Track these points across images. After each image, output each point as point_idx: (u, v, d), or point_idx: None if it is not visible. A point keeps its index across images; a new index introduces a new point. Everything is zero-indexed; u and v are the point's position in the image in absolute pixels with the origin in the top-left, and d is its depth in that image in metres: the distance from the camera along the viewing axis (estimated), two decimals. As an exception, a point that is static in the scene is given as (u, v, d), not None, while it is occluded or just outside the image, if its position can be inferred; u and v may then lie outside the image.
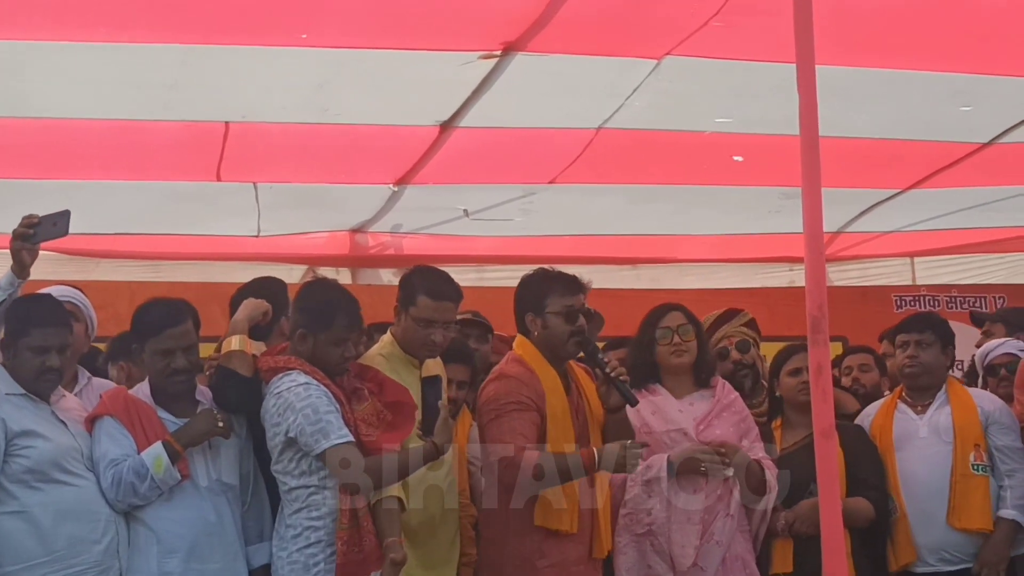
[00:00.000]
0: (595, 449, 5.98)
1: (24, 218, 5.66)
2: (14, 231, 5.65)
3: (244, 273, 8.62)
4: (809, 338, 5.37)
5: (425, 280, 6.11)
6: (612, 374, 6.08)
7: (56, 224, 5.68)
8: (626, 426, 6.24)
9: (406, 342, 6.09)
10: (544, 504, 6.02)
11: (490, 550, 6.20)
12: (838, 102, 6.65)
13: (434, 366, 6.15)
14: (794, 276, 9.63)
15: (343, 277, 8.99)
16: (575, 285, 6.27)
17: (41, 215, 5.67)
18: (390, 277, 9.04)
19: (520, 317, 6.27)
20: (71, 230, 5.69)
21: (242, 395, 5.83)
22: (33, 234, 5.63)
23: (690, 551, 6.33)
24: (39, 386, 5.68)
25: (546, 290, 6.21)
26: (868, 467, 6.77)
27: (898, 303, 10.13)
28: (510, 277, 9.01)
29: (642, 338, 6.63)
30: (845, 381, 7.88)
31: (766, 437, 6.73)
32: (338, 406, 5.71)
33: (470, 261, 9.16)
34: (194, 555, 5.68)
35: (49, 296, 6.03)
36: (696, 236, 9.10)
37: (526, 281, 6.32)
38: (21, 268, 5.67)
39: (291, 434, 5.67)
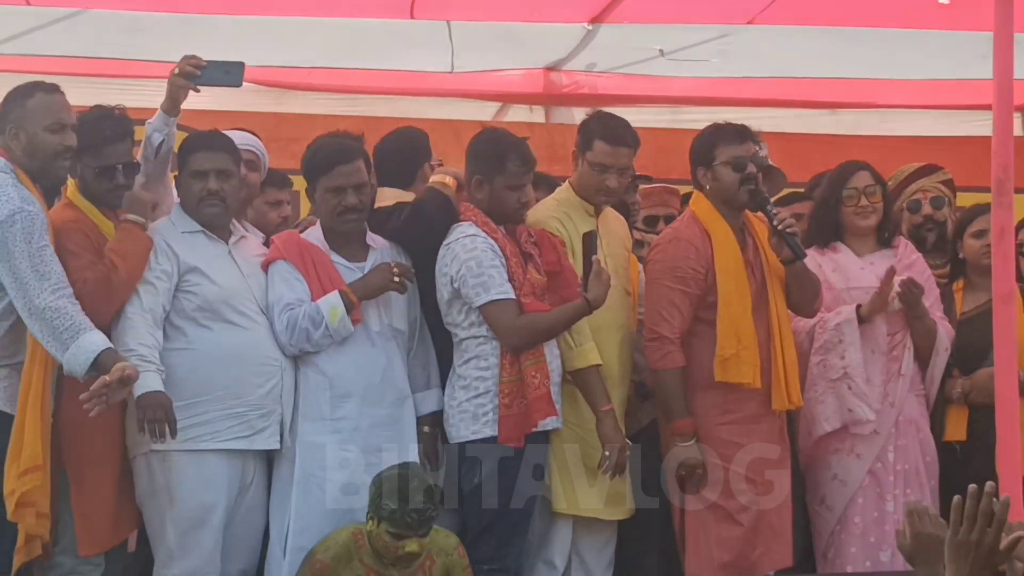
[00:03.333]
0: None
1: (189, 58, 5.65)
2: (179, 69, 5.63)
3: (439, 109, 8.69)
4: (993, 200, 5.24)
5: (602, 125, 6.14)
6: (779, 226, 6.04)
7: (228, 72, 5.69)
8: (808, 277, 6.21)
9: (582, 187, 6.12)
10: (723, 359, 6.01)
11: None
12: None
13: (608, 220, 6.14)
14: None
15: (536, 115, 8.93)
16: (744, 134, 6.24)
17: (213, 60, 5.66)
18: (584, 116, 8.97)
19: (693, 173, 6.25)
20: (250, 73, 5.70)
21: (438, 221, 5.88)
22: (199, 76, 5.63)
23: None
24: (202, 213, 5.70)
25: (715, 141, 6.20)
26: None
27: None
28: (705, 119, 8.79)
29: (827, 197, 6.55)
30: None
31: (946, 300, 6.61)
32: (504, 260, 5.73)
33: (665, 102, 9.00)
34: (367, 399, 5.76)
35: (216, 130, 6.04)
36: (898, 80, 8.81)
37: (697, 136, 6.31)
38: (173, 104, 5.66)
39: (455, 284, 5.72)
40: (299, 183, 6.28)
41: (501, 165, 5.82)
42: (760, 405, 6.12)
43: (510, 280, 5.77)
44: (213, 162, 5.73)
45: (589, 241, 5.79)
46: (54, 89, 5.57)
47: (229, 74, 5.71)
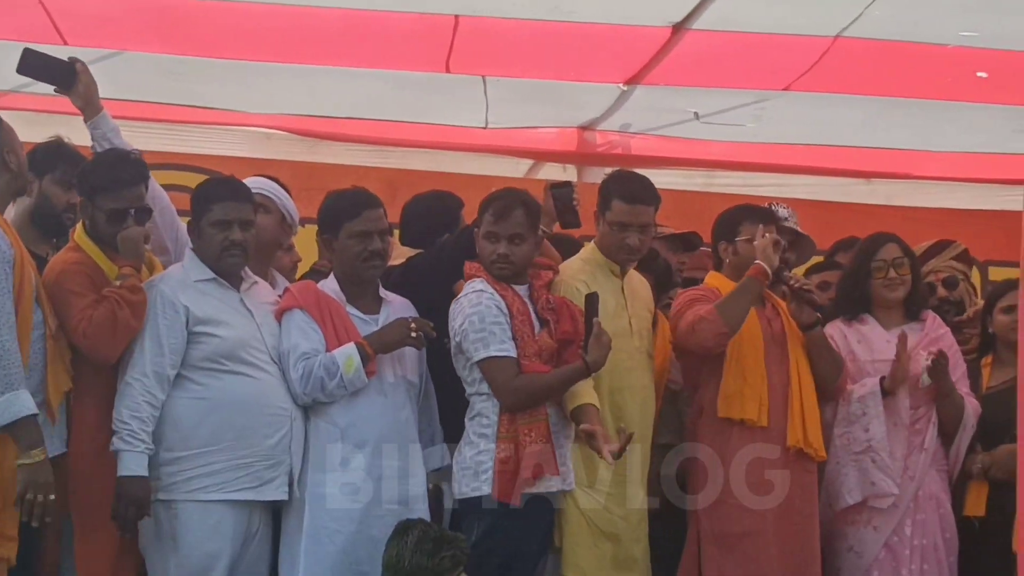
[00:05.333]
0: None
1: None
2: None
3: (472, 164, 8.67)
4: (1022, 276, 5.19)
5: (620, 184, 6.16)
6: (796, 285, 6.17)
7: (55, 70, 5.72)
8: (828, 349, 6.31)
9: (604, 247, 6.13)
10: (726, 395, 6.11)
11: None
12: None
13: (632, 281, 6.14)
14: (1036, 200, 9.25)
15: (569, 174, 8.90)
16: (766, 215, 6.38)
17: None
18: (613, 177, 8.97)
19: (714, 249, 6.39)
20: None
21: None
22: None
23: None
24: (223, 263, 5.69)
25: (740, 219, 6.33)
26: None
27: None
28: (739, 184, 8.87)
29: (856, 269, 6.57)
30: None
31: (973, 374, 6.57)
32: (509, 318, 5.74)
33: (699, 165, 9.01)
34: (378, 451, 5.73)
35: (232, 177, 6.05)
36: (934, 152, 8.79)
37: (723, 214, 6.45)
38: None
39: (457, 339, 5.73)
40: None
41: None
42: (775, 451, 6.17)
43: (514, 339, 5.75)
44: (238, 212, 5.72)
45: (591, 303, 5.75)
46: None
47: (55, 72, 5.71)
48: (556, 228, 6.22)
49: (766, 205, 6.65)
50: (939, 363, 6.33)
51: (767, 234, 6.07)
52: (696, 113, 8.41)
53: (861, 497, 6.34)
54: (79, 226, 5.75)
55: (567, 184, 6.21)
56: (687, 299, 6.23)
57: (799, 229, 6.90)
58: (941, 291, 7.02)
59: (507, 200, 5.88)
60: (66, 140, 6.09)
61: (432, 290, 6.00)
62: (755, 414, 6.11)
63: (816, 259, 7.27)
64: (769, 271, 6.02)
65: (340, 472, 5.68)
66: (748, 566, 6.06)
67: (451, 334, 5.82)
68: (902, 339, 6.34)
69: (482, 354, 5.73)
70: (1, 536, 5.28)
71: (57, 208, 5.95)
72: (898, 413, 6.39)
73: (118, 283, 5.53)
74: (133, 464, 5.45)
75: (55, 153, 5.97)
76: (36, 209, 5.90)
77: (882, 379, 6.38)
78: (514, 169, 8.82)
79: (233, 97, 8.07)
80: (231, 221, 5.68)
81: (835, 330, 6.45)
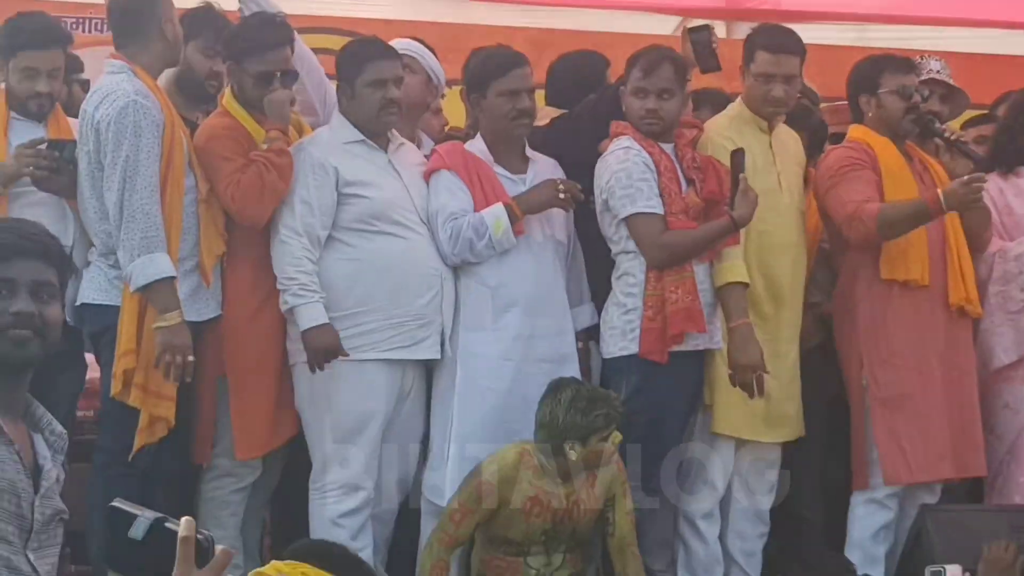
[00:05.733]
0: (938, 190, 5.85)
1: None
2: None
3: (620, 22, 8.56)
4: None
5: (764, 35, 6.09)
6: (952, 138, 6.03)
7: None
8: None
9: (750, 100, 6.04)
10: (889, 256, 5.96)
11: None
12: None
13: (781, 136, 6.03)
14: None
15: (718, 31, 8.76)
16: (908, 64, 6.20)
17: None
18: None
19: (854, 100, 6.20)
20: None
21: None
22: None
23: None
24: (382, 121, 5.68)
25: (881, 68, 6.13)
26: None
27: None
28: (893, 37, 8.64)
29: (1011, 122, 6.38)
30: None
31: None
32: (656, 175, 5.69)
33: (851, 19, 8.79)
34: (529, 309, 5.73)
35: (376, 37, 6.03)
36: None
37: (860, 64, 6.25)
38: None
39: (604, 196, 5.70)
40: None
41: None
42: (937, 309, 6.05)
43: (661, 196, 5.71)
44: (392, 70, 5.72)
45: (737, 159, 5.66)
46: None
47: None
48: (696, 73, 6.11)
49: (917, 59, 6.50)
50: None
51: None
52: (848, -36, 8.24)
53: (1017, 356, 6.21)
54: (227, 91, 5.78)
55: (705, 27, 6.10)
56: (840, 162, 6.04)
57: (951, 82, 6.75)
58: None
59: (655, 56, 5.82)
60: (216, 6, 6.07)
61: (577, 149, 5.94)
62: (919, 274, 5.99)
63: (974, 114, 7.10)
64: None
65: (491, 331, 5.71)
66: (919, 422, 5.98)
67: (597, 191, 5.79)
68: None
69: (629, 210, 5.69)
70: (159, 396, 5.41)
71: (200, 75, 5.95)
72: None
73: (265, 146, 5.56)
74: (313, 314, 5.49)
75: (200, 20, 5.95)
76: (180, 76, 5.91)
77: None
78: (662, 26, 8.68)
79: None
80: (386, 80, 5.67)
81: (991, 184, 6.26)
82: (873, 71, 6.15)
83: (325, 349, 5.49)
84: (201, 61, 5.95)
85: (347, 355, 5.51)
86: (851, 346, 6.10)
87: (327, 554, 2.86)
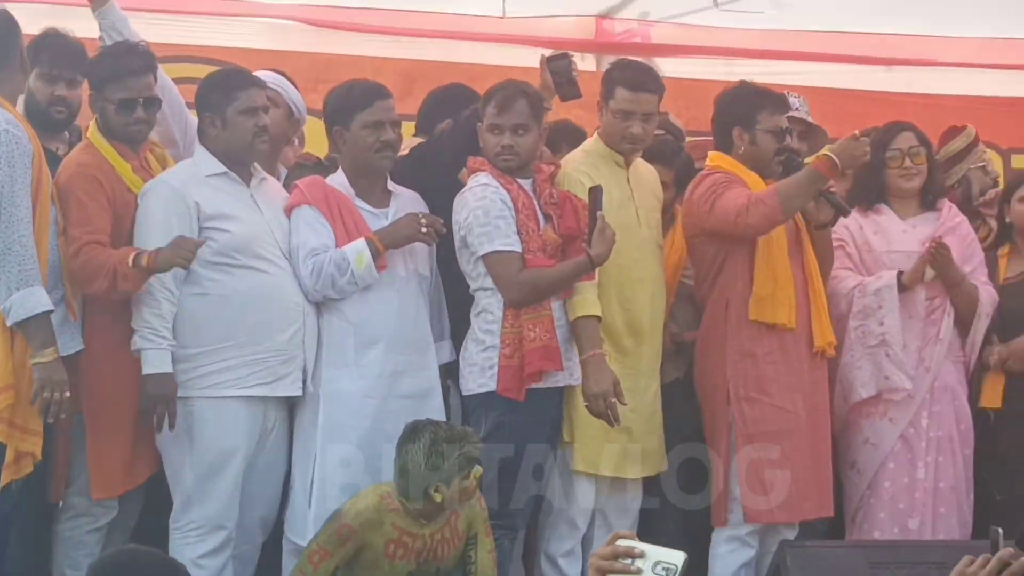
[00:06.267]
0: (825, 150, 5.90)
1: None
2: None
3: (488, 54, 8.56)
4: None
5: (623, 72, 6.06)
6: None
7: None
8: (830, 240, 6.22)
9: (608, 136, 6.05)
10: (759, 298, 6.00)
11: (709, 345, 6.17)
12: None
13: (638, 170, 6.06)
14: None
15: (587, 64, 8.79)
16: (784, 103, 6.23)
17: None
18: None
19: (724, 129, 6.16)
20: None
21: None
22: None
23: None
24: (255, 149, 5.64)
25: (759, 105, 6.11)
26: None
27: None
28: (759, 72, 8.69)
29: (872, 158, 6.43)
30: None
31: (990, 266, 6.50)
32: (514, 213, 5.70)
33: (718, 53, 8.89)
34: (392, 346, 5.71)
35: (240, 67, 6.00)
36: (954, 38, 8.65)
37: (736, 94, 6.22)
38: None
39: (462, 232, 5.70)
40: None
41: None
42: (801, 350, 6.10)
43: (519, 234, 5.72)
44: (262, 99, 5.71)
45: (595, 196, 5.67)
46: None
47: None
48: (556, 102, 6.11)
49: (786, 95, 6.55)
50: (939, 253, 6.24)
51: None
52: (715, 0, 8.31)
53: (875, 391, 6.31)
54: (92, 123, 5.70)
55: (564, 55, 6.10)
56: (717, 181, 6.05)
57: (810, 119, 6.83)
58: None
59: (509, 91, 5.82)
60: (61, 31, 5.94)
61: (436, 178, 5.95)
62: (787, 318, 6.03)
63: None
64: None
65: (354, 368, 5.67)
66: (783, 461, 6.00)
67: (455, 227, 5.78)
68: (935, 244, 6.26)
69: (486, 248, 5.69)
70: (26, 431, 5.32)
71: (42, 103, 5.85)
72: (914, 305, 6.32)
73: (134, 261, 5.38)
74: (157, 361, 5.46)
75: (38, 46, 5.83)
76: (26, 106, 5.78)
77: (899, 273, 6.31)
78: (531, 58, 8.68)
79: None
80: (258, 107, 5.65)
81: (851, 220, 6.36)
82: (751, 107, 6.14)
83: (161, 397, 5.44)
84: (42, 88, 5.85)
85: (174, 412, 5.46)
86: (717, 381, 6.12)
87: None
